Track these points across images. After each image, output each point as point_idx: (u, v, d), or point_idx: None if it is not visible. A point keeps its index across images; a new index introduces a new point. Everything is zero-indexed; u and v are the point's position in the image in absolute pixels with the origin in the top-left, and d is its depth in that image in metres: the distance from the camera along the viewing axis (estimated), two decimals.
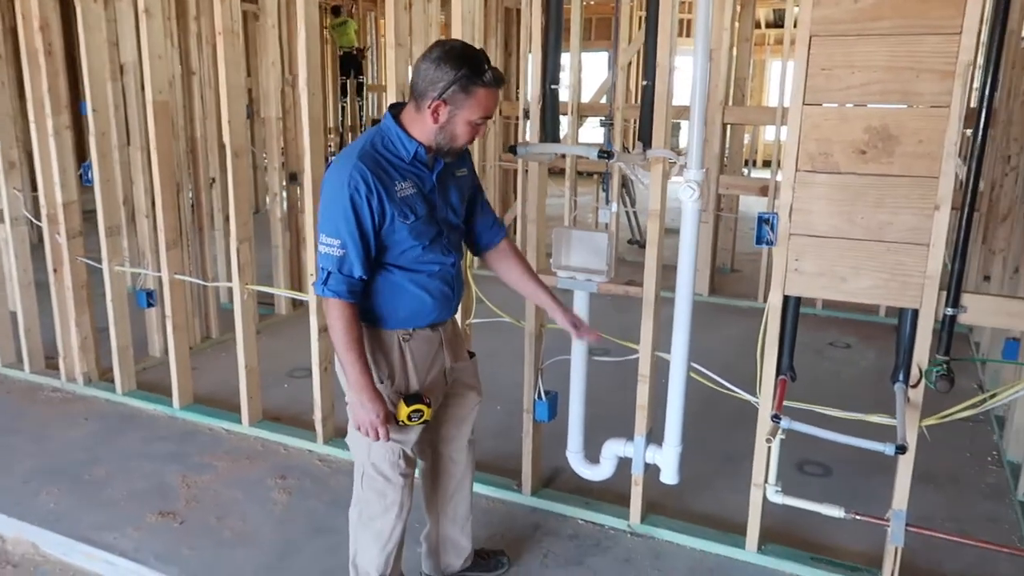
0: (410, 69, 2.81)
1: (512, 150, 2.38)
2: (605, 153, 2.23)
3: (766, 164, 11.16)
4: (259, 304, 5.03)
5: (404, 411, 1.96)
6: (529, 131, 2.65)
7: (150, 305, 3.91)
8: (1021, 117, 3.90)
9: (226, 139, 3.12)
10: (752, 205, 8.82)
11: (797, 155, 2.18)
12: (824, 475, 3.11)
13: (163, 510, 2.78)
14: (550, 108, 2.51)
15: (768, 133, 14.22)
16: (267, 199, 5.12)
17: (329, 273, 1.86)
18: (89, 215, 3.68)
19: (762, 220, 2.26)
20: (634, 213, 7.43)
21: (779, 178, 5.36)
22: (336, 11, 11.15)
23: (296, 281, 5.11)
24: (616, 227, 5.80)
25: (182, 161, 4.24)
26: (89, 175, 3.56)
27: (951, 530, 2.73)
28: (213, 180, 4.58)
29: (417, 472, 2.23)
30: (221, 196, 4.54)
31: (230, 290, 3.33)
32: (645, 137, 2.38)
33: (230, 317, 3.45)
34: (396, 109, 1.94)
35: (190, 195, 4.42)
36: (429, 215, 1.94)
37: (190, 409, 3.55)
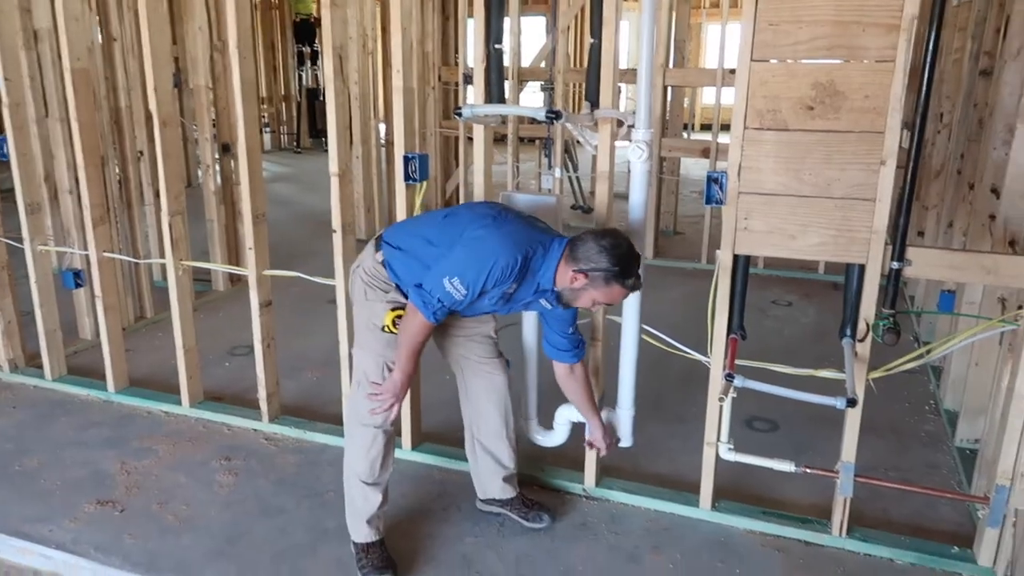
0: (345, 30, 2.70)
1: (457, 112, 2.31)
2: (553, 114, 2.17)
3: (704, 127, 11.28)
4: (195, 281, 4.85)
5: (389, 316, 2.17)
6: (471, 96, 2.57)
7: (78, 285, 3.72)
8: (953, 75, 3.98)
9: (152, 108, 2.95)
10: (692, 168, 8.93)
11: (745, 112, 2.16)
12: (772, 430, 3.16)
13: (101, 499, 2.66)
14: (495, 69, 2.44)
15: (707, 96, 14.38)
16: (199, 172, 4.91)
17: (443, 305, 2.06)
18: (7, 193, 3.46)
19: (711, 179, 2.25)
20: (576, 178, 7.41)
21: (721, 140, 5.41)
22: None
23: (233, 255, 4.94)
24: (560, 192, 5.77)
25: (106, 133, 4.01)
26: (4, 150, 3.34)
27: (895, 478, 2.81)
28: (141, 153, 4.36)
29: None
30: (150, 169, 4.33)
31: (164, 268, 3.18)
32: (592, 97, 2.33)
33: (165, 295, 3.29)
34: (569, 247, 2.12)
35: (116, 169, 4.20)
36: (497, 308, 2.22)
37: (126, 392, 3.41)
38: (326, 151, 2.83)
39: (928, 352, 2.24)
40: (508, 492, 2.50)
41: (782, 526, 2.47)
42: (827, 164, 2.13)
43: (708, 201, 2.26)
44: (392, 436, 2.32)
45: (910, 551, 2.34)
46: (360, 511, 2.30)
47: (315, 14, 11.03)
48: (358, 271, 2.27)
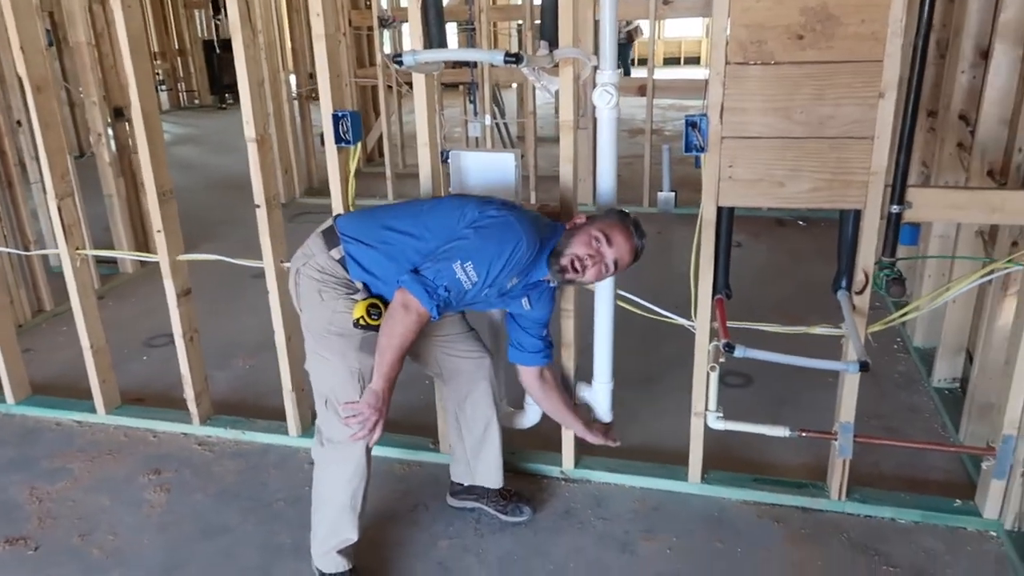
0: None
1: (397, 60, 1.96)
2: (513, 58, 1.86)
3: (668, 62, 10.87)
4: (99, 263, 4.36)
5: (361, 307, 1.85)
6: (387, 42, 2.22)
7: None
8: None
9: (21, 71, 2.48)
10: (624, 107, 8.66)
11: (727, 45, 1.90)
12: (746, 385, 3.00)
13: (10, 536, 2.29)
14: (433, 8, 2.09)
15: (669, 29, 13.97)
16: (92, 140, 4.36)
17: (448, 295, 1.78)
18: None
19: (689, 124, 1.99)
20: (504, 124, 7.06)
21: (656, 76, 5.16)
22: None
23: (140, 233, 4.46)
24: (490, 141, 5.44)
25: None
26: None
27: (878, 427, 2.70)
28: (19, 122, 3.82)
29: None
30: (30, 141, 3.80)
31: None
32: (549, 35, 2.02)
33: (64, 282, 2.84)
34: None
35: None
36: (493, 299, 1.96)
37: (29, 403, 2.98)
38: (223, 108, 2.44)
39: (931, 300, 2.08)
40: (498, 481, 2.26)
41: (777, 494, 2.31)
42: (819, 100, 1.90)
43: (688, 149, 2.00)
44: (371, 456, 2.01)
45: (912, 508, 2.22)
46: (335, 543, 2.01)
47: None
48: (305, 269, 1.92)
